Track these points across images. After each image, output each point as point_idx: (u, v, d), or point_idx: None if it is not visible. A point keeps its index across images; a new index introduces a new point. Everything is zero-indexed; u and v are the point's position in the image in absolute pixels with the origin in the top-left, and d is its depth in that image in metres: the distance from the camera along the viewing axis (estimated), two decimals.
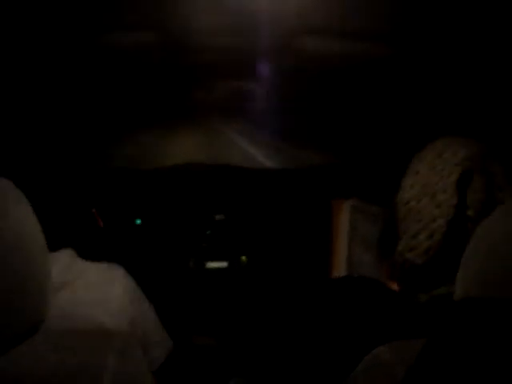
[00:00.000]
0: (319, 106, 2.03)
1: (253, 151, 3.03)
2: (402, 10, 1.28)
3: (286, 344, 1.12)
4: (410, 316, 0.91)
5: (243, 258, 1.92)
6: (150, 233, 1.94)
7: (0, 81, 1.56)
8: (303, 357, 1.00)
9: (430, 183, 0.91)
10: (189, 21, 1.34)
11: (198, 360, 1.83)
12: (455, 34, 1.36)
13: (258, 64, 1.70)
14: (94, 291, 1.04)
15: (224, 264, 1.92)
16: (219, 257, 1.93)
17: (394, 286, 1.00)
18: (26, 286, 0.68)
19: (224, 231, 1.94)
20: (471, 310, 0.63)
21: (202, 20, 1.34)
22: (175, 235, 1.94)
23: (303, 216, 1.90)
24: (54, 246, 0.84)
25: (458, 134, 0.99)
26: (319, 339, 0.96)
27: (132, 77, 1.95)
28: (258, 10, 1.26)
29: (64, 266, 1.05)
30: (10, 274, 0.65)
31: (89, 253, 1.13)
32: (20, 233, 0.68)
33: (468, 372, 0.58)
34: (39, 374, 0.66)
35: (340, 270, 1.52)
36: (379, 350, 0.77)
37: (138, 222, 1.94)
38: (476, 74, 1.49)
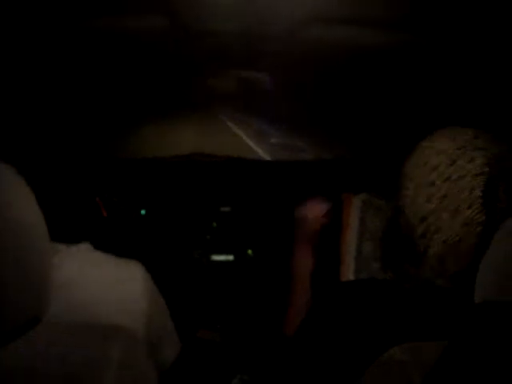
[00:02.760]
0: (327, 97, 1.99)
1: (254, 142, 3.01)
2: None
3: (293, 341, 1.09)
4: (422, 318, 0.87)
5: (249, 251, 1.90)
6: (155, 223, 1.92)
7: (5, 71, 1.54)
8: (311, 354, 0.97)
9: (449, 196, 0.82)
10: (197, 6, 1.30)
11: (203, 355, 1.81)
12: (468, 23, 1.31)
13: (265, 52, 1.66)
14: (112, 289, 0.99)
15: (230, 257, 1.90)
16: (225, 249, 1.91)
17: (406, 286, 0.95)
18: (25, 276, 0.65)
19: (230, 223, 1.91)
20: (490, 313, 0.60)
21: (210, 5, 1.31)
22: (180, 226, 1.92)
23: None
24: (57, 236, 0.81)
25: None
26: (329, 338, 0.93)
27: (135, 64, 1.92)
28: None
29: (81, 259, 1.01)
30: (9, 264, 0.63)
31: (100, 246, 1.10)
32: (21, 221, 0.66)
33: (490, 374, 0.55)
34: (39, 370, 0.64)
35: (349, 265, 1.48)
36: (393, 351, 0.74)
37: (143, 212, 1.92)
38: (494, 65, 1.45)
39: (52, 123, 1.84)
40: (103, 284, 0.99)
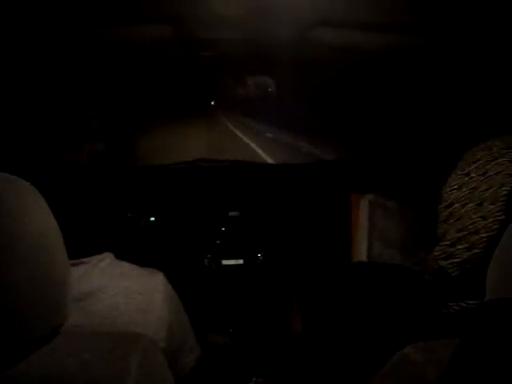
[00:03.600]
0: (334, 100, 1.99)
1: (258, 146, 3.00)
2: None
3: (306, 342, 1.10)
4: (435, 318, 0.88)
5: (259, 255, 1.90)
6: (164, 230, 1.92)
7: (18, 78, 1.55)
8: (325, 355, 0.97)
9: (478, 189, 0.83)
10: (203, 14, 1.31)
11: (214, 359, 1.81)
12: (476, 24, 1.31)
13: (273, 57, 1.66)
14: (134, 299, 1.00)
15: (240, 261, 1.90)
16: (235, 254, 1.91)
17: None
18: (46, 286, 0.66)
19: (239, 228, 1.92)
20: (502, 311, 0.61)
21: (216, 13, 1.31)
22: (189, 232, 1.92)
23: (321, 211, 1.87)
24: (70, 246, 0.81)
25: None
26: (342, 337, 0.94)
27: (139, 72, 1.93)
28: (274, 2, 1.23)
29: (104, 269, 1.02)
30: (30, 275, 0.64)
31: (127, 256, 1.11)
32: (39, 233, 0.67)
33: (506, 372, 0.56)
34: (61, 379, 0.64)
35: None
36: (407, 350, 0.74)
37: (152, 219, 1.93)
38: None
39: (60, 133, 1.85)
40: (125, 295, 1.00)
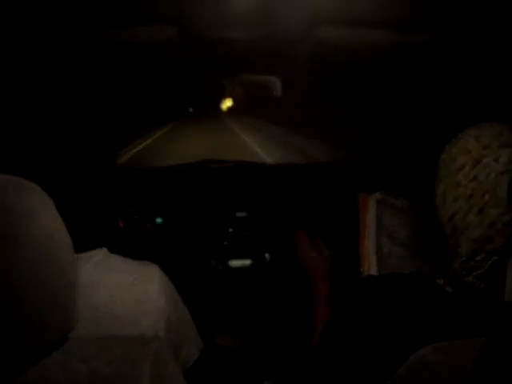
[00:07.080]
0: (342, 98, 1.98)
1: (262, 147, 2.99)
2: None
3: (318, 344, 1.08)
4: (453, 316, 0.86)
5: (267, 255, 1.89)
6: (171, 232, 1.91)
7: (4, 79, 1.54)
8: (338, 356, 0.96)
9: (474, 195, 0.82)
10: (206, 14, 1.30)
11: (223, 361, 1.79)
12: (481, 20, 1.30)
13: (276, 56, 1.65)
14: (129, 291, 0.99)
15: (247, 262, 1.89)
16: (242, 255, 1.90)
17: (440, 282, 0.94)
18: (54, 291, 0.65)
19: (246, 228, 1.90)
20: None
21: (219, 13, 1.30)
22: (197, 233, 1.91)
23: (329, 211, 1.86)
24: (76, 248, 0.81)
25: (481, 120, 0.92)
26: (357, 338, 0.92)
27: (145, 74, 1.92)
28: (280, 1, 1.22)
29: (97, 263, 1.02)
30: (38, 281, 0.63)
31: (117, 252, 1.10)
32: (47, 238, 0.66)
33: None
34: None
35: (369, 264, 1.48)
36: (425, 351, 0.73)
37: (159, 220, 1.92)
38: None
39: (67, 135, 1.84)
40: (120, 287, 1.00)
